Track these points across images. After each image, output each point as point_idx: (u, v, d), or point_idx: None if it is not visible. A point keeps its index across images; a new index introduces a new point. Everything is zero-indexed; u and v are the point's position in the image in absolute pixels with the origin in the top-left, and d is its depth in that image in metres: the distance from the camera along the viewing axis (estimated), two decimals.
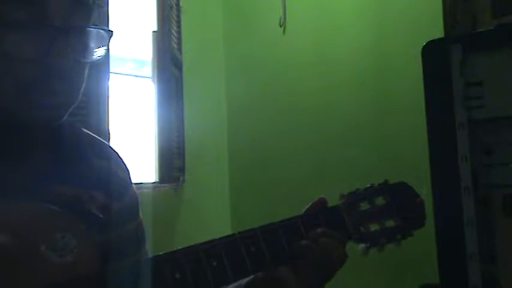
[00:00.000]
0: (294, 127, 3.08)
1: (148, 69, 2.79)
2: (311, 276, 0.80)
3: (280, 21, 3.14)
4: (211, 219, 3.06)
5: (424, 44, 1.65)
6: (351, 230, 0.88)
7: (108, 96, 2.04)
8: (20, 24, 0.60)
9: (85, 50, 0.66)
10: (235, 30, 3.37)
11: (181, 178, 2.75)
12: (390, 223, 0.92)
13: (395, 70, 2.80)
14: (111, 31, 0.67)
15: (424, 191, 0.97)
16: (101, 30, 0.67)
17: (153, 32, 2.61)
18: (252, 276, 0.79)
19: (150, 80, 2.67)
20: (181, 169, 2.77)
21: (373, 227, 0.90)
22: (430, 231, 1.20)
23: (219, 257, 0.75)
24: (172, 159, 2.63)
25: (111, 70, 2.14)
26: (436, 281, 1.60)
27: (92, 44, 0.67)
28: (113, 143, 1.88)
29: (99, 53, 0.67)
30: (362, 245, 0.90)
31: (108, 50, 0.68)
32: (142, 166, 2.63)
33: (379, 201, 0.92)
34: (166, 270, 0.71)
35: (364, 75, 2.91)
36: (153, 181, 2.53)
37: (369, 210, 0.91)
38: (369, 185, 0.93)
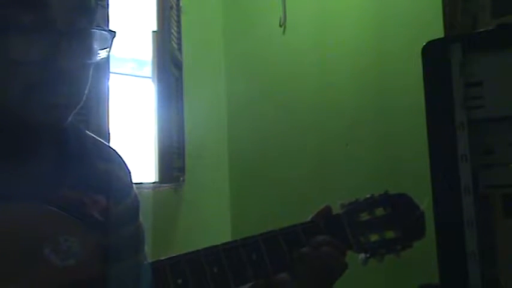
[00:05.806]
0: (294, 127, 3.08)
1: (148, 69, 2.79)
2: (311, 284, 0.81)
3: (280, 21, 3.14)
4: (211, 219, 3.06)
5: (424, 44, 1.65)
6: (351, 240, 0.89)
7: (108, 96, 2.04)
8: (24, 28, 0.61)
9: (89, 51, 0.67)
10: (235, 30, 3.37)
11: (181, 178, 2.75)
12: (390, 234, 0.92)
13: (395, 70, 2.80)
14: (114, 32, 0.68)
15: (425, 203, 0.96)
16: (103, 31, 0.67)
17: (153, 32, 2.61)
18: (251, 283, 0.80)
19: (150, 80, 2.66)
20: (181, 169, 2.77)
21: (373, 238, 0.91)
22: (430, 231, 1.20)
23: (220, 263, 0.75)
24: (172, 159, 2.63)
25: (111, 70, 2.14)
26: (436, 281, 1.61)
27: (96, 45, 0.67)
28: (113, 143, 1.88)
29: (102, 53, 0.68)
30: (362, 255, 0.90)
31: (110, 50, 0.69)
32: (142, 166, 2.63)
33: (379, 211, 0.93)
34: (168, 275, 0.71)
35: (364, 75, 2.91)
36: (153, 181, 2.53)
37: (369, 220, 0.91)
38: (369, 195, 0.94)
